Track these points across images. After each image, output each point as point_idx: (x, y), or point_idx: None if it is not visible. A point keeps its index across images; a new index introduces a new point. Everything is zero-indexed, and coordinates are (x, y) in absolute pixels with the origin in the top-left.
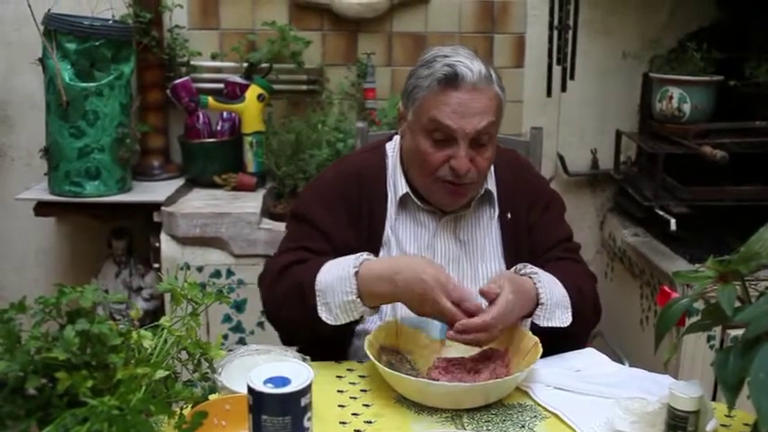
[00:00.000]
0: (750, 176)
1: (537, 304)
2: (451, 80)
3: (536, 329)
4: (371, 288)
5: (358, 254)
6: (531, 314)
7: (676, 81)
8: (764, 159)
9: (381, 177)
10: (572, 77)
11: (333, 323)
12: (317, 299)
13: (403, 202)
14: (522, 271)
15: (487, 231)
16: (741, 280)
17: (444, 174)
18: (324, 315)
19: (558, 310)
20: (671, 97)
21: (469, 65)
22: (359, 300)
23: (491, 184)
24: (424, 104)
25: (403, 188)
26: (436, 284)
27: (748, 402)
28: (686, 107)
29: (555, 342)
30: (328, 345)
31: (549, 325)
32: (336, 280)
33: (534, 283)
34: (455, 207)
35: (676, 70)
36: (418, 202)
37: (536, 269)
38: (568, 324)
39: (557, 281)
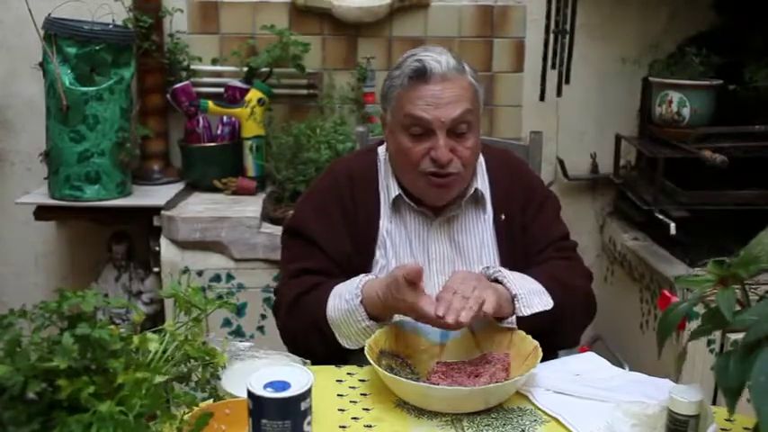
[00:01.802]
0: (750, 180)
1: (513, 300)
2: (421, 74)
3: (527, 328)
4: (378, 309)
5: (355, 281)
6: (513, 311)
7: (676, 85)
8: (764, 163)
9: (374, 180)
10: (567, 81)
11: (356, 348)
12: (335, 332)
13: (396, 205)
14: (486, 273)
15: (481, 232)
16: (741, 284)
17: (426, 166)
18: (345, 344)
19: (535, 297)
20: (670, 101)
21: (437, 57)
22: (373, 321)
23: (482, 185)
24: (399, 102)
25: (395, 190)
26: (396, 293)
27: (748, 406)
28: (686, 111)
29: (546, 340)
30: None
31: (532, 311)
32: (345, 314)
33: (500, 281)
34: (443, 201)
35: (676, 75)
36: (411, 203)
37: (499, 268)
38: (552, 306)
39: (523, 275)
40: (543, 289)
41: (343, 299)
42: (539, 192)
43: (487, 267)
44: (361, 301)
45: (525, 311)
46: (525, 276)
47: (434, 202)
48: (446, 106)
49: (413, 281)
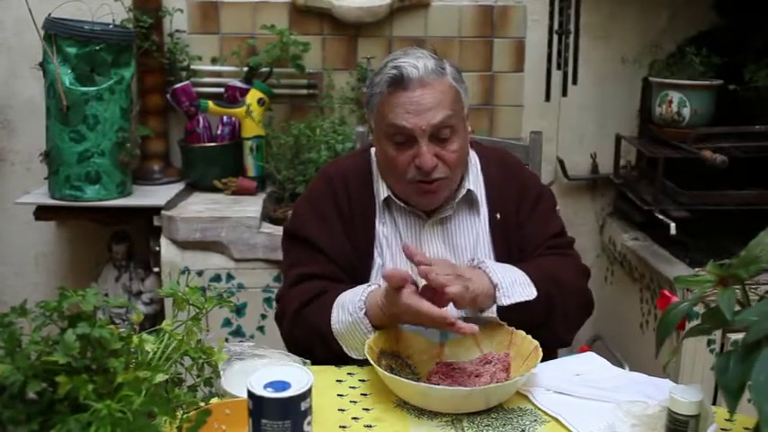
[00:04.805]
0: (750, 181)
1: (495, 290)
2: (398, 81)
3: (515, 320)
4: (382, 320)
5: (358, 292)
6: (494, 301)
7: (676, 85)
8: (764, 163)
9: (368, 180)
10: (574, 82)
11: (362, 357)
12: (341, 343)
13: (388, 206)
14: (471, 264)
15: (476, 232)
16: (741, 284)
17: (413, 175)
18: (352, 354)
19: (517, 287)
20: (670, 101)
21: (415, 62)
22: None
23: (474, 185)
24: (380, 110)
25: (384, 192)
26: (394, 306)
27: (748, 406)
28: (686, 111)
29: (537, 335)
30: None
31: (512, 301)
32: (350, 326)
33: (483, 270)
34: (433, 206)
35: (676, 74)
36: (402, 204)
37: (483, 259)
38: (535, 297)
39: (510, 266)
40: (528, 280)
41: (347, 311)
42: (533, 189)
43: (472, 259)
44: (365, 313)
45: (505, 301)
46: (511, 267)
47: (423, 207)
48: (426, 113)
49: (397, 285)
